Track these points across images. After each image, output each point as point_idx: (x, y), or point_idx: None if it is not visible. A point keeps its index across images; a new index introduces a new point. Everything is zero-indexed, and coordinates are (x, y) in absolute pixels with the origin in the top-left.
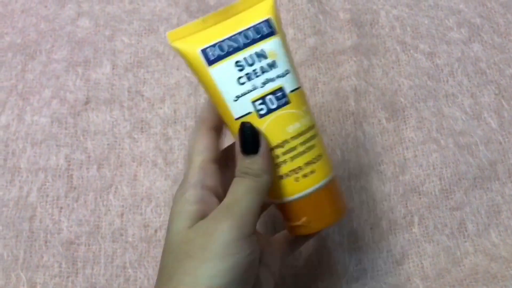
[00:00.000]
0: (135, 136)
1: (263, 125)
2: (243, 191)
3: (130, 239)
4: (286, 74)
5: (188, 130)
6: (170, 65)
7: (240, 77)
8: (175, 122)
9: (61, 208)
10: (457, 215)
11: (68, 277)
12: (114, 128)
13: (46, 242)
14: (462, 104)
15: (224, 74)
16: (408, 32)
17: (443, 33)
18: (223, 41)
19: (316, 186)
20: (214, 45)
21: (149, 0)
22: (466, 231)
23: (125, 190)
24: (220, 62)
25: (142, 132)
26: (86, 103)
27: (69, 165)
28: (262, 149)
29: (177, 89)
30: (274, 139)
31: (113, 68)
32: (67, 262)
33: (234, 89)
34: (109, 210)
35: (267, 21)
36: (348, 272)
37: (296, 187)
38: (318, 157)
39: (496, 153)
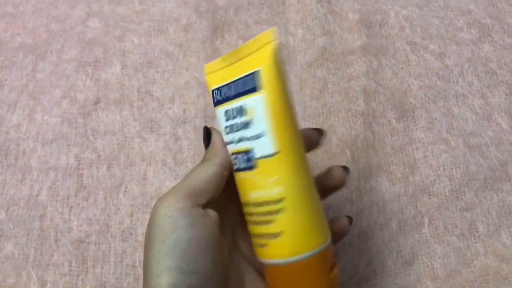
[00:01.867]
0: (145, 135)
1: (237, 179)
2: (190, 171)
3: (139, 238)
4: (259, 137)
5: (197, 130)
6: (180, 66)
7: (226, 127)
8: (185, 122)
9: (71, 207)
10: (467, 216)
11: (78, 275)
12: (123, 128)
13: (56, 240)
14: (473, 104)
15: (220, 119)
16: (418, 33)
17: (453, 33)
18: (223, 86)
19: (267, 261)
20: (218, 89)
21: (159, 1)
22: (477, 232)
23: (134, 189)
24: (219, 106)
25: (152, 132)
26: (96, 103)
27: (79, 164)
28: (212, 141)
29: (187, 89)
30: (242, 197)
31: (122, 68)
32: (77, 260)
33: (224, 135)
34: (118, 209)
35: (254, 74)
36: (358, 272)
37: (257, 252)
38: (274, 235)
39: (507, 153)
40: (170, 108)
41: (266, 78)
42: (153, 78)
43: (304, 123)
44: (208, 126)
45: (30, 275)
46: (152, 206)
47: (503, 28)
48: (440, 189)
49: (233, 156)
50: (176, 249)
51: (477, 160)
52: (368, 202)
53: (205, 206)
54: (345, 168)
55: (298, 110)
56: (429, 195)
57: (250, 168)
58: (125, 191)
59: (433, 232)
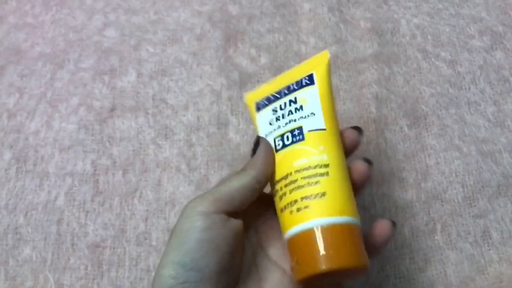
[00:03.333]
0: (159, 142)
1: (277, 158)
2: (226, 177)
3: (154, 243)
4: (310, 116)
5: (210, 137)
6: (194, 74)
7: (272, 119)
8: (198, 129)
9: (88, 212)
10: (480, 222)
11: (93, 279)
12: (139, 135)
13: (73, 245)
14: (485, 111)
15: (263, 118)
16: (429, 41)
17: (465, 41)
18: (269, 96)
19: (308, 222)
20: (264, 98)
21: (173, 11)
22: (490, 239)
23: (149, 195)
24: (263, 109)
25: (166, 138)
26: (112, 110)
27: (95, 170)
28: (257, 152)
29: (200, 97)
30: (280, 172)
31: (138, 77)
32: (92, 264)
33: (266, 128)
34: (133, 214)
35: (309, 76)
36: (370, 278)
37: (290, 222)
38: (319, 195)
39: None
40: (184, 115)
41: (319, 77)
42: (168, 86)
43: None
44: (259, 136)
45: (47, 279)
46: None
47: None
48: (452, 196)
49: (278, 138)
50: (184, 246)
51: (490, 167)
52: (380, 208)
53: (231, 214)
54: (368, 161)
55: None
56: (442, 201)
57: (300, 140)
58: (140, 196)
59: (446, 238)
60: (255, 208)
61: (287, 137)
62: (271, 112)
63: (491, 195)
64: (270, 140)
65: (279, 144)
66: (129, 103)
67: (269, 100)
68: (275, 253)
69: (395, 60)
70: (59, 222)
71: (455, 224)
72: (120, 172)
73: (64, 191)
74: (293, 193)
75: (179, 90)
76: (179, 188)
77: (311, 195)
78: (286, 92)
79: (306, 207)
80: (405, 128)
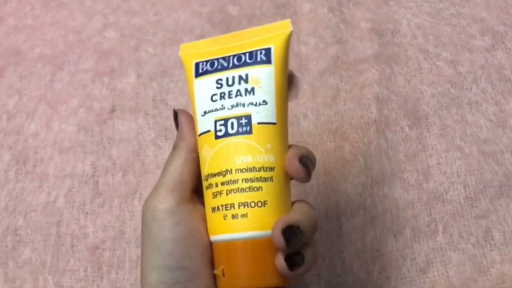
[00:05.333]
0: (160, 143)
1: (216, 147)
2: (165, 164)
3: None
4: (262, 104)
5: None
6: None
7: (214, 94)
8: None
9: (87, 213)
10: (482, 223)
11: (93, 281)
12: (139, 136)
13: (72, 246)
14: (487, 111)
15: (203, 88)
16: (430, 41)
17: (466, 41)
18: (216, 59)
19: (242, 234)
20: (207, 61)
21: (173, 12)
22: (493, 239)
23: None
24: (204, 76)
25: (166, 139)
26: (112, 111)
27: (94, 171)
28: (180, 123)
29: None
30: (219, 165)
31: (138, 78)
32: (92, 266)
33: (205, 104)
34: (133, 215)
35: (265, 50)
36: (372, 279)
37: (221, 226)
38: (260, 203)
39: None
40: None
41: (277, 55)
42: (168, 87)
43: (317, 130)
44: (176, 108)
45: (47, 280)
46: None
47: None
48: (454, 196)
49: (221, 122)
50: (162, 248)
51: (492, 167)
52: (381, 209)
53: (189, 198)
54: (308, 161)
55: (311, 117)
56: (443, 202)
57: (246, 132)
58: (140, 197)
59: (448, 239)
60: None
61: (232, 125)
62: (215, 84)
63: (493, 195)
64: (209, 120)
65: (220, 130)
66: (128, 104)
67: (213, 66)
68: None
69: (396, 60)
70: (58, 223)
71: (457, 225)
72: (120, 173)
73: (63, 192)
74: (231, 196)
75: (179, 91)
76: None
77: (251, 202)
78: (236, 63)
79: (243, 215)
80: (406, 129)
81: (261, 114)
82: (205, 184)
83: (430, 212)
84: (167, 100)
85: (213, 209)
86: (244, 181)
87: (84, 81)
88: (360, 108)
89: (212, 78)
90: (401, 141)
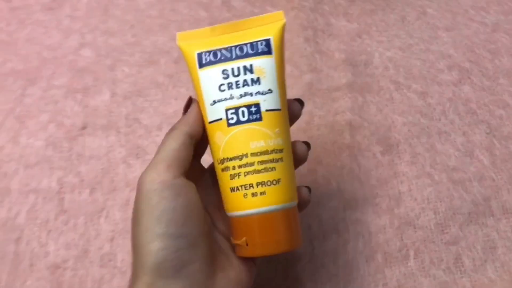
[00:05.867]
0: (130, 161)
1: (229, 134)
2: (162, 142)
3: (119, 264)
4: (268, 93)
5: None
6: (169, 95)
7: (221, 84)
8: None
9: (50, 230)
10: (453, 249)
11: None
12: (109, 153)
13: (31, 265)
14: (455, 141)
15: (209, 79)
16: (401, 73)
17: (435, 74)
18: (219, 49)
19: (263, 208)
20: (210, 51)
21: (152, 35)
22: (463, 266)
23: (116, 214)
24: (209, 66)
25: (138, 158)
26: (83, 128)
27: (61, 188)
28: (190, 110)
29: (175, 118)
30: (234, 150)
31: (112, 96)
32: (52, 286)
33: (214, 94)
34: (99, 234)
35: (266, 41)
36: None
37: (242, 204)
38: (275, 181)
39: (489, 189)
40: (158, 135)
41: (276, 45)
42: (142, 106)
43: None
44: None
45: None
46: (137, 182)
47: (481, 72)
48: (425, 222)
49: (232, 111)
50: (163, 217)
51: (460, 194)
52: (354, 233)
53: (184, 175)
54: (307, 144)
55: None
56: (415, 227)
57: (257, 119)
58: (106, 216)
59: (419, 265)
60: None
61: (243, 113)
62: (221, 75)
63: (462, 222)
64: (220, 109)
65: (232, 118)
66: (101, 122)
67: (217, 57)
68: (223, 227)
69: (368, 90)
70: (17, 241)
71: (427, 251)
72: (87, 190)
73: (26, 208)
74: (249, 177)
75: (153, 110)
76: None
77: (267, 181)
78: (239, 53)
79: (262, 193)
80: (378, 155)
81: (268, 102)
82: (220, 166)
83: (402, 237)
84: (141, 119)
85: (232, 189)
86: (259, 163)
87: (56, 97)
88: (333, 133)
89: (217, 68)
90: (373, 167)
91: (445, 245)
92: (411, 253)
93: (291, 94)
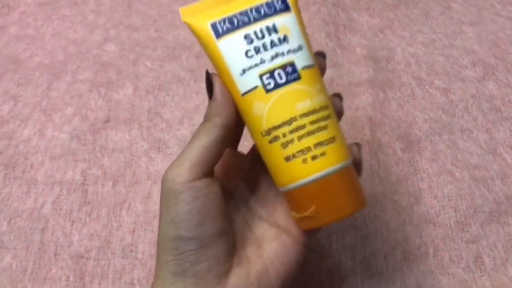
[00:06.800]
0: (152, 155)
1: (270, 100)
2: (193, 137)
3: (140, 255)
4: (299, 50)
5: None
6: (190, 90)
7: (248, 50)
8: None
9: (74, 221)
10: (473, 248)
11: None
12: (131, 147)
13: (55, 254)
14: (477, 139)
15: (232, 47)
16: (423, 69)
17: (458, 70)
18: (234, 15)
19: (327, 170)
20: (224, 19)
21: (174, 29)
22: (483, 265)
23: (138, 207)
24: (228, 35)
25: (159, 151)
26: (106, 121)
27: (84, 180)
28: (214, 92)
29: (196, 113)
30: (281, 116)
31: (134, 90)
32: (75, 275)
33: (241, 62)
34: (121, 225)
35: None
36: None
37: (304, 171)
38: (331, 140)
39: None
40: (179, 130)
41: (292, 1)
42: (164, 100)
43: None
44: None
45: None
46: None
47: (507, 68)
48: (445, 220)
49: (267, 75)
50: (177, 219)
51: (482, 192)
52: (372, 230)
53: (210, 173)
54: (339, 96)
55: None
56: (434, 225)
57: (296, 79)
58: (128, 208)
59: (438, 263)
60: (231, 170)
61: (280, 75)
62: (244, 41)
63: (483, 220)
64: (253, 77)
65: (269, 83)
66: (123, 115)
67: (234, 23)
68: (264, 212)
69: (390, 85)
70: (43, 230)
71: (447, 249)
72: (110, 182)
73: (51, 199)
74: (304, 140)
75: (175, 105)
76: None
77: (324, 141)
78: (256, 15)
79: (322, 154)
80: (399, 151)
81: (302, 59)
82: (266, 139)
83: (421, 235)
84: (163, 113)
85: (287, 158)
86: (311, 123)
87: (80, 91)
88: (353, 130)
89: (238, 35)
90: (393, 164)
91: (465, 243)
92: (430, 251)
93: None
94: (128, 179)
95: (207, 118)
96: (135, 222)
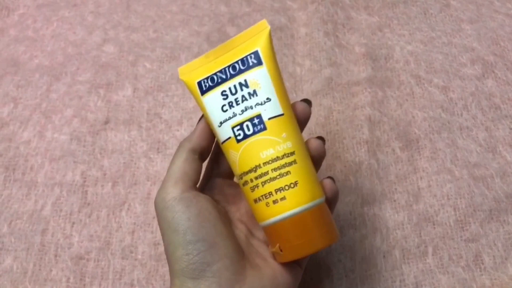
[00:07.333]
0: (151, 156)
1: (240, 149)
2: (171, 161)
3: (139, 256)
4: (267, 101)
5: None
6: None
7: (223, 105)
8: None
9: (74, 223)
10: (472, 247)
11: None
12: (131, 148)
13: (56, 256)
14: (477, 137)
15: (212, 103)
16: (422, 67)
17: (457, 68)
18: (214, 74)
19: (286, 213)
20: (207, 78)
21: (172, 30)
22: (483, 263)
23: (137, 208)
24: (210, 92)
25: (158, 152)
26: (106, 122)
27: (84, 181)
28: (196, 126)
29: (195, 113)
30: (248, 164)
31: (134, 91)
32: (75, 277)
33: (218, 116)
34: (120, 226)
35: (254, 53)
36: None
37: (267, 213)
38: (292, 184)
39: None
40: (178, 130)
41: (265, 55)
42: (163, 101)
43: None
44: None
45: None
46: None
47: (506, 65)
48: (444, 219)
49: (237, 127)
50: (179, 228)
51: (482, 191)
52: (371, 229)
53: (195, 188)
54: (321, 138)
55: (304, 135)
56: (433, 224)
57: (262, 129)
58: (128, 209)
59: (438, 262)
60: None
61: (247, 127)
62: (221, 96)
63: (483, 219)
64: (227, 129)
65: (239, 135)
66: (123, 117)
67: (214, 81)
68: (261, 234)
69: (389, 84)
70: (43, 232)
71: (446, 248)
72: (110, 184)
73: (51, 201)
74: (266, 186)
75: (174, 105)
76: None
77: (285, 186)
78: (232, 72)
79: (282, 198)
80: (398, 150)
81: (269, 111)
82: (241, 182)
83: (420, 233)
84: (162, 114)
85: (255, 201)
86: (273, 170)
87: (80, 92)
88: (352, 128)
89: (216, 92)
90: (392, 163)
91: (464, 242)
92: (430, 249)
93: (310, 88)
94: (127, 180)
95: (178, 146)
96: (134, 223)
